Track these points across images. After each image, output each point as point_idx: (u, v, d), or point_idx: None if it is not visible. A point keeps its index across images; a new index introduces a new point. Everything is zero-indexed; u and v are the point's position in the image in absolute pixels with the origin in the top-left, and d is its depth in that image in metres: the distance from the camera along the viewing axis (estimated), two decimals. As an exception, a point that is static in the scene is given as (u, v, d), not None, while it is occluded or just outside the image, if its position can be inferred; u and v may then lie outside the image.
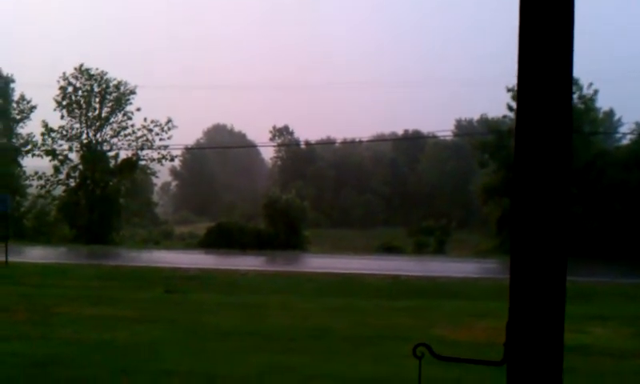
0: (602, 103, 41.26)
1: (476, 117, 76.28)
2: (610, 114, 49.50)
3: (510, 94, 38.17)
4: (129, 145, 46.80)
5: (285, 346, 11.16)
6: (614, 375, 9.46)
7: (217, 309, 15.52)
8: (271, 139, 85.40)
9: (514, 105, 38.38)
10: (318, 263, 29.72)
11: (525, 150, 2.34)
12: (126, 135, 46.73)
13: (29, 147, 47.03)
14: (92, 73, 46.07)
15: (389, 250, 40.80)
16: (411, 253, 39.95)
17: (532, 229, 2.32)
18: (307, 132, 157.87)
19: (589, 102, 38.28)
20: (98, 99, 46.22)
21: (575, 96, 37.78)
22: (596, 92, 38.33)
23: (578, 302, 14.41)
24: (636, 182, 34.65)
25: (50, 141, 45.95)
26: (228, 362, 9.95)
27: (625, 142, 44.14)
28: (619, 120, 51.71)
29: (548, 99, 2.30)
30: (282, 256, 34.40)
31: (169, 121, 46.34)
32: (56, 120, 46.07)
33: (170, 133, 46.26)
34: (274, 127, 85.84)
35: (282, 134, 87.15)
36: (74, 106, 45.98)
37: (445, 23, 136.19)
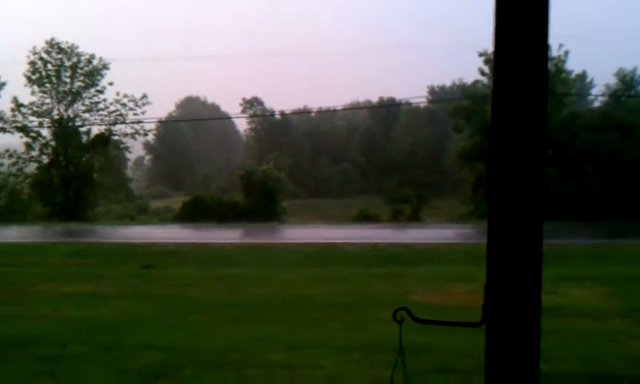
0: (574, 65, 41.46)
1: (448, 83, 76.44)
2: (583, 76, 49.80)
3: (482, 58, 38.31)
4: (101, 120, 46.40)
5: (265, 317, 11.23)
6: (591, 335, 9.65)
7: (195, 282, 15.54)
8: (242, 111, 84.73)
9: (486, 69, 38.66)
10: (295, 234, 29.80)
11: (501, 113, 2.36)
12: (98, 110, 46.28)
13: (-1, 125, 46.32)
14: (62, 47, 45.43)
15: (366, 218, 40.96)
16: (388, 221, 40.18)
17: (509, 192, 2.35)
18: (280, 102, 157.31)
19: (559, 63, 38.48)
20: (68, 73, 45.63)
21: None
22: (566, 53, 38.56)
23: (553, 264, 14.61)
24: (608, 144, 35.04)
25: (20, 116, 45.34)
26: (209, 334, 10.00)
27: (597, 104, 44.57)
28: (591, 82, 52.07)
29: (524, 62, 2.32)
30: (259, 228, 34.42)
31: (143, 96, 45.98)
32: (27, 97, 45.51)
33: (144, 108, 45.98)
34: (244, 99, 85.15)
35: (253, 104, 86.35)
36: (45, 80, 45.33)
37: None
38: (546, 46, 2.36)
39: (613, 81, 41.23)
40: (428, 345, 7.74)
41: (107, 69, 46.16)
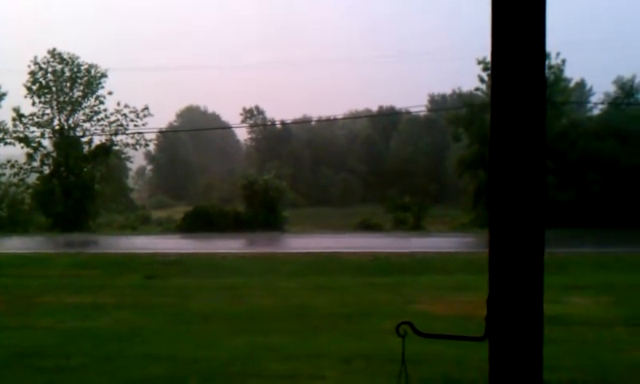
0: (573, 73, 41.58)
1: (449, 91, 76.46)
2: (582, 84, 49.85)
3: (481, 66, 38.34)
4: (102, 130, 46.52)
5: (267, 327, 11.24)
6: (594, 344, 9.65)
7: (197, 293, 15.55)
8: (243, 121, 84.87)
9: (485, 77, 38.70)
10: (297, 243, 29.81)
11: (500, 123, 2.39)
12: (98, 120, 46.41)
13: (0, 136, 46.38)
14: (64, 57, 45.58)
15: (367, 227, 40.94)
16: (389, 229, 40.17)
17: (509, 202, 2.38)
18: (280, 111, 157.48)
19: (558, 71, 38.49)
20: (68, 83, 45.75)
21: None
22: (564, 61, 38.51)
23: (555, 273, 14.63)
24: (608, 152, 35.05)
25: (21, 127, 45.44)
26: (211, 345, 10.01)
27: (596, 112, 44.61)
28: (590, 90, 52.09)
29: (521, 71, 2.35)
30: (261, 237, 34.43)
31: (145, 108, 46.16)
32: (27, 108, 45.63)
33: (145, 120, 46.17)
34: (244, 108, 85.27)
35: (253, 114, 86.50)
36: (45, 90, 45.45)
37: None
38: (543, 54, 2.38)
39: (612, 89, 41.31)
40: (431, 354, 7.75)
41: (105, 77, 46.38)
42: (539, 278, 2.42)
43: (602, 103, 42.69)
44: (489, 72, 32.79)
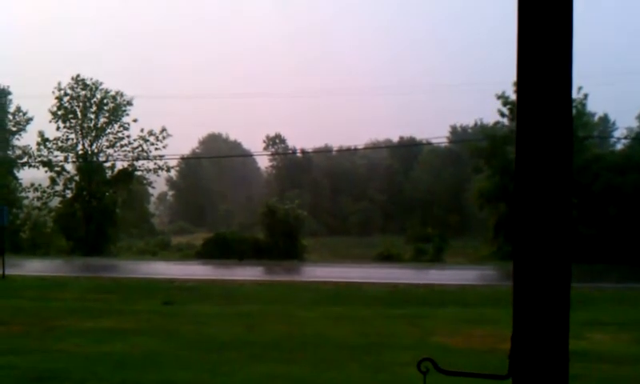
0: (598, 107, 41.38)
1: (471, 123, 76.28)
2: (605, 118, 49.63)
3: (500, 101, 38.21)
4: (125, 155, 46.86)
5: (284, 356, 11.16)
6: (615, 381, 9.48)
7: (215, 320, 15.50)
8: (265, 148, 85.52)
9: (505, 111, 38.58)
10: (316, 272, 29.68)
11: (526, 156, 2.36)
12: (122, 146, 46.78)
13: (25, 159, 46.95)
14: (87, 83, 46.09)
15: (387, 257, 40.70)
16: (409, 260, 39.90)
17: (536, 237, 2.33)
18: (301, 140, 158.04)
19: (580, 105, 38.22)
20: (94, 109, 46.24)
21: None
22: (586, 96, 38.24)
23: (576, 308, 14.40)
24: (631, 187, 34.67)
25: (45, 151, 46.00)
26: (228, 372, 9.96)
27: (619, 146, 44.29)
28: (613, 124, 51.87)
29: (548, 106, 2.32)
30: (280, 265, 34.35)
31: (163, 130, 46.38)
32: (52, 132, 46.21)
33: (165, 142, 46.36)
34: (267, 136, 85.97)
35: (275, 142, 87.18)
36: (70, 115, 45.96)
37: (439, 30, 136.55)
38: (569, 87, 2.35)
39: (635, 123, 41.06)
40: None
41: (131, 104, 46.81)
42: (565, 316, 2.37)
43: (626, 138, 42.39)
44: (508, 106, 32.49)
